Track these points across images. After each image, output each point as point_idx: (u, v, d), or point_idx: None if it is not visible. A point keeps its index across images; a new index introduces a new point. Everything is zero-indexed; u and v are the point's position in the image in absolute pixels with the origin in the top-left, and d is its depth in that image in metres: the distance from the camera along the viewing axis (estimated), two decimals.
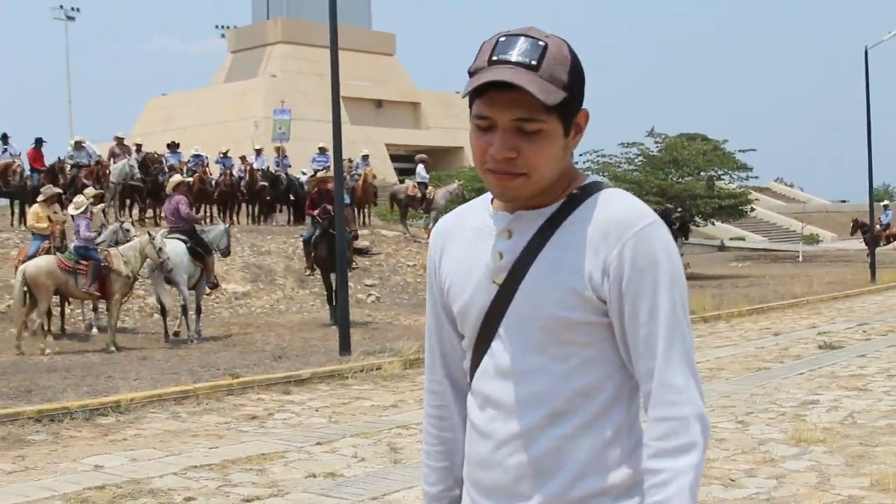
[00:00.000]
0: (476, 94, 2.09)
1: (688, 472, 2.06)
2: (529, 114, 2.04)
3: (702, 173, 35.80)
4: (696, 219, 36.61)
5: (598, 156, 35.83)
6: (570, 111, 2.11)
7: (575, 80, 2.09)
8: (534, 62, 2.02)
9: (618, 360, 2.17)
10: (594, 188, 2.18)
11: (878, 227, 38.04)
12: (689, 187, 34.41)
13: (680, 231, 33.54)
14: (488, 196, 2.30)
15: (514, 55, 2.04)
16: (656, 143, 36.75)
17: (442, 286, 2.33)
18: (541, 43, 2.05)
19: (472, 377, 2.28)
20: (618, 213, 2.11)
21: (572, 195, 2.18)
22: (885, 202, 48.43)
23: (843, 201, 76.86)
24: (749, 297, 23.98)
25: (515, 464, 2.16)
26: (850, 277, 31.70)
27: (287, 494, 7.59)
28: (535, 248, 2.14)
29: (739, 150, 36.88)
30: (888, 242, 35.99)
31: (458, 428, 2.41)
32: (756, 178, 37.90)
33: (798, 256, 42.96)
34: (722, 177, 36.78)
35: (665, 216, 31.82)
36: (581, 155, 35.63)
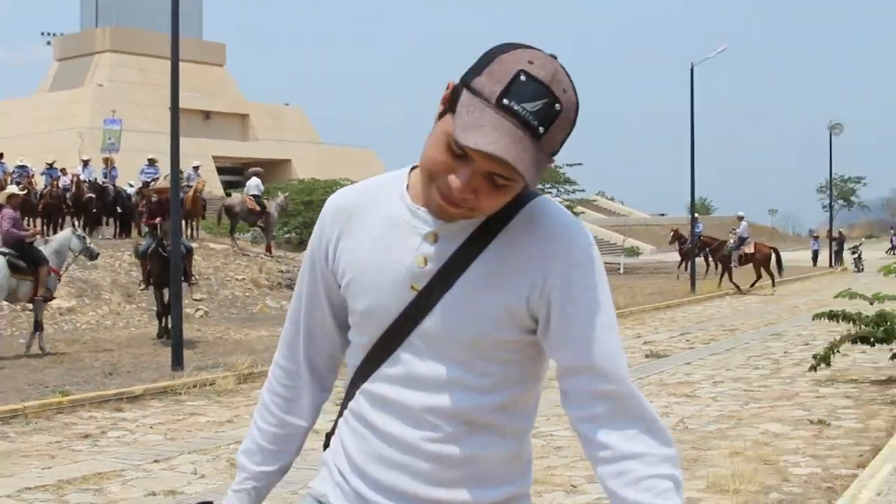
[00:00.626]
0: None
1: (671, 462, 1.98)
2: (508, 174, 1.85)
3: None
4: None
5: None
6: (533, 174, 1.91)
7: (565, 141, 1.94)
8: (542, 129, 1.83)
9: (537, 374, 2.10)
10: (528, 195, 2.03)
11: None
12: None
13: None
14: (403, 179, 2.10)
15: (527, 110, 1.81)
16: None
17: (336, 271, 2.12)
18: (556, 107, 1.83)
19: (363, 377, 2.10)
20: (559, 229, 2.01)
21: (508, 203, 1.99)
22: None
23: (662, 214, 79.41)
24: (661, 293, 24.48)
25: (425, 470, 2.03)
26: (671, 288, 32.86)
27: None
28: (466, 258, 1.99)
29: (567, 164, 37.70)
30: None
31: (304, 415, 2.28)
32: (582, 191, 38.84)
33: (619, 268, 44.12)
34: (549, 190, 37.50)
35: None
36: None
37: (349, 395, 2.16)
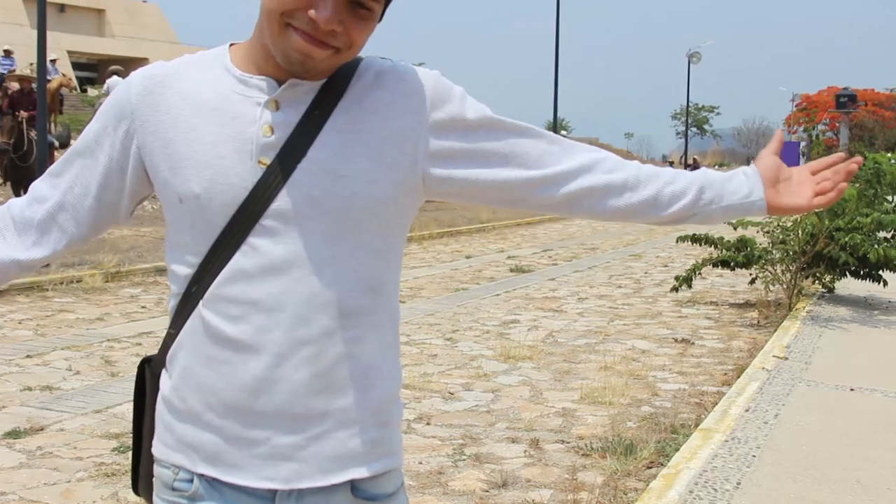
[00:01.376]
0: None
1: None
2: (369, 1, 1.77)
3: None
4: None
5: None
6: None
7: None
8: None
9: (401, 247, 1.96)
10: (356, 59, 1.90)
11: None
12: None
13: None
14: (223, 54, 1.92)
15: None
16: None
17: (147, 157, 1.88)
18: None
19: (205, 282, 1.84)
20: (414, 78, 1.89)
21: (343, 65, 1.87)
22: (564, 133, 50.49)
23: None
24: (439, 221, 24.61)
25: (306, 377, 1.82)
26: None
27: (4, 408, 7.22)
28: (317, 122, 1.82)
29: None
30: None
31: (19, 245, 1.97)
32: None
33: None
34: None
35: None
36: None
37: (179, 321, 1.90)
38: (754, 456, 6.22)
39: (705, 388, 8.53)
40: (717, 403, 7.55)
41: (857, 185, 12.63)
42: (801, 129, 74.59)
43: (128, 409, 7.20)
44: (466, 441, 6.83)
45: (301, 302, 1.80)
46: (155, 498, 1.97)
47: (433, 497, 5.73)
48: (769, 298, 12.84)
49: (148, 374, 2.01)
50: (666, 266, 18.66)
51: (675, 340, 10.88)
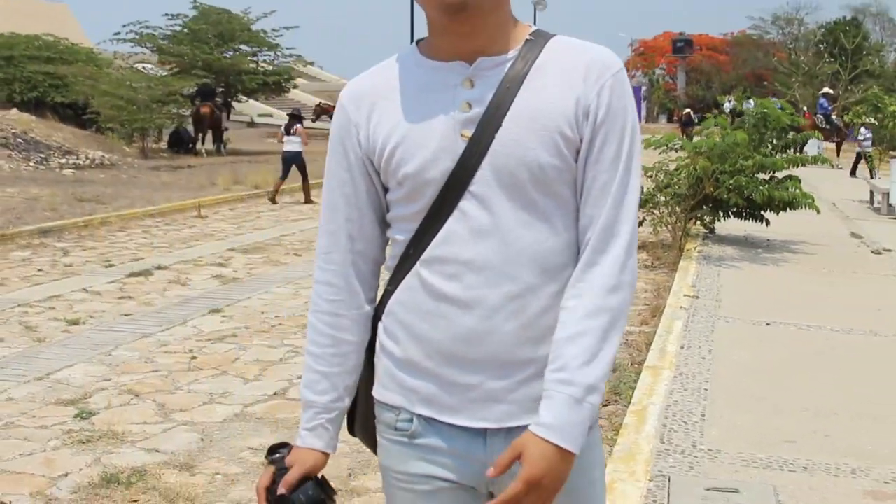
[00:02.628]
0: None
1: (607, 312, 1.96)
2: None
3: (243, 49, 35.59)
4: (239, 96, 36.58)
5: (141, 27, 34.41)
6: None
7: None
8: None
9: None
10: (545, 34, 2.07)
11: None
12: (236, 63, 34.17)
13: (224, 107, 33.44)
14: (411, 53, 2.11)
15: None
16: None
17: (371, 154, 2.08)
18: None
19: (423, 246, 2.02)
20: (592, 56, 2.02)
21: (528, 40, 2.04)
22: None
23: None
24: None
25: (514, 328, 1.99)
26: None
27: None
28: (508, 95, 1.97)
29: (284, 28, 36.86)
30: None
31: (355, 328, 2.17)
32: (299, 55, 38.10)
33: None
34: (266, 55, 36.72)
35: (208, 91, 31.55)
36: (124, 26, 34.16)
37: (400, 276, 2.08)
38: (706, 389, 6.55)
39: (628, 328, 8.84)
40: (649, 343, 7.86)
41: (746, 128, 13.14)
42: (641, 73, 76.31)
43: (69, 375, 7.11)
44: None
45: (507, 261, 1.97)
46: (379, 437, 2.16)
47: None
48: (657, 240, 13.27)
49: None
50: None
51: None
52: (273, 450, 2.17)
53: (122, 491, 5.02)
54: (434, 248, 2.00)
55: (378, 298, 2.18)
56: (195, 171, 24.47)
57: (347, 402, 2.20)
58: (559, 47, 2.03)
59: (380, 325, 2.14)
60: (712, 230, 14.18)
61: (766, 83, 57.00)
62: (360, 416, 2.23)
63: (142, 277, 11.06)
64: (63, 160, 24.41)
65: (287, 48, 37.42)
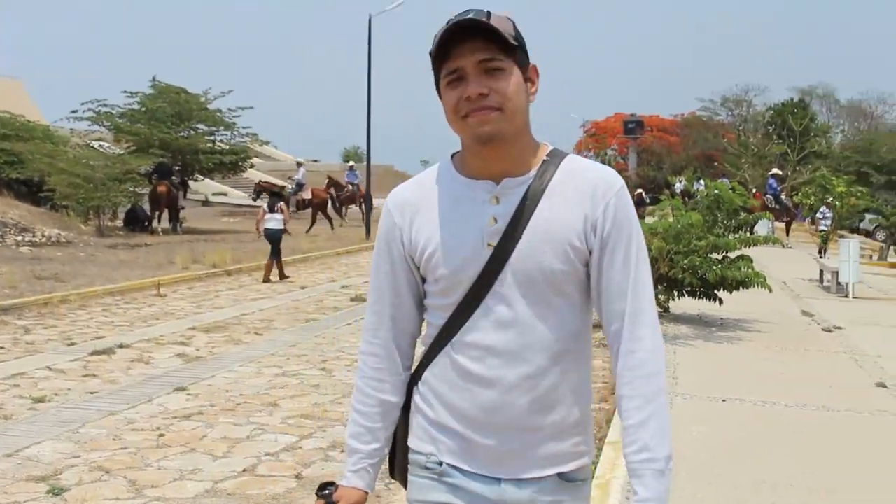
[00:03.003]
0: (441, 59, 2.39)
1: (658, 395, 2.39)
2: (491, 55, 2.34)
3: (200, 128, 35.76)
4: (196, 175, 36.72)
5: (99, 105, 34.49)
6: (523, 61, 2.42)
7: (519, 36, 2.41)
8: (485, 18, 2.33)
9: (590, 307, 2.51)
10: (559, 154, 2.50)
11: (349, 187, 40.48)
12: (194, 142, 34.36)
13: (181, 185, 33.54)
14: (447, 167, 2.54)
15: (469, 15, 2.35)
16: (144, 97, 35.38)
17: (413, 254, 2.51)
18: (485, 10, 2.37)
19: (453, 333, 2.47)
20: (597, 176, 2.45)
21: (545, 161, 2.47)
22: (351, 163, 50.91)
23: (316, 160, 79.89)
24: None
25: (527, 402, 2.42)
26: (346, 234, 33.44)
27: None
28: (527, 211, 2.40)
29: (240, 108, 37.09)
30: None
31: (395, 390, 2.62)
32: (255, 134, 38.28)
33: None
34: (222, 133, 36.87)
35: (165, 170, 31.68)
36: (82, 104, 34.24)
37: (433, 353, 2.53)
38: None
39: (595, 406, 8.99)
40: (609, 419, 8.04)
41: (699, 211, 13.50)
42: (593, 154, 77.30)
43: (38, 452, 7.18)
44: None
45: (523, 347, 2.42)
46: (410, 476, 2.60)
47: None
48: None
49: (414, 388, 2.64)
50: None
51: None
52: (322, 487, 2.63)
53: None
54: (462, 335, 2.46)
55: (413, 367, 2.64)
56: (152, 249, 24.50)
57: (386, 450, 2.66)
58: (571, 167, 2.47)
59: (415, 390, 2.60)
60: (667, 309, 14.46)
61: (716, 163, 57.97)
62: (399, 463, 2.68)
63: (105, 356, 11.11)
64: (19, 237, 24.37)
65: (244, 127, 37.48)
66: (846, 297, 18.38)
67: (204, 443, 7.58)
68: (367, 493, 2.61)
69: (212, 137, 36.17)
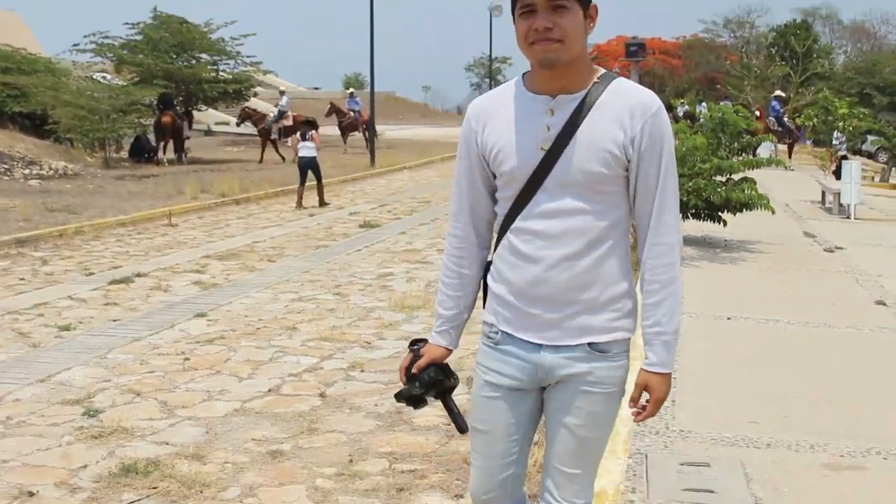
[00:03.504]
0: None
1: (673, 282, 2.98)
2: None
3: (203, 57, 35.70)
4: (200, 105, 36.78)
5: (102, 37, 34.42)
6: (585, 2, 2.89)
7: None
8: None
9: (627, 204, 3.00)
10: (609, 77, 2.98)
11: (351, 114, 40.52)
12: (197, 72, 34.35)
13: (186, 116, 33.63)
14: (516, 83, 3.05)
15: None
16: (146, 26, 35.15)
17: (484, 153, 3.04)
18: None
19: (512, 220, 3.00)
20: (638, 98, 2.93)
21: (595, 83, 2.95)
22: (351, 90, 50.77)
23: (317, 88, 79.74)
24: (270, 180, 24.84)
25: (565, 279, 2.93)
26: (350, 162, 33.58)
27: None
28: (575, 123, 2.89)
29: (242, 35, 36.92)
30: (366, 129, 38.35)
31: (475, 265, 3.20)
32: (259, 62, 38.18)
33: (287, 142, 44.15)
34: (225, 63, 36.79)
35: (169, 100, 31.72)
36: (84, 36, 34.18)
37: (500, 238, 3.06)
38: (675, 378, 6.97)
39: None
40: None
41: (704, 134, 13.68)
42: None
43: (70, 377, 7.47)
44: None
45: (564, 233, 2.93)
46: (481, 343, 3.17)
47: (403, 433, 6.29)
48: None
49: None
50: None
51: None
52: (414, 343, 3.27)
53: (140, 479, 5.41)
54: (519, 222, 2.98)
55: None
56: (159, 180, 24.67)
57: (466, 315, 3.25)
58: (617, 88, 2.93)
59: (490, 268, 3.13)
60: None
61: (718, 86, 57.82)
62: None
63: (123, 284, 11.38)
64: (27, 171, 24.57)
65: (247, 56, 37.38)
66: (848, 218, 18.60)
67: (228, 365, 7.87)
68: (449, 350, 3.22)
69: (215, 67, 36.09)
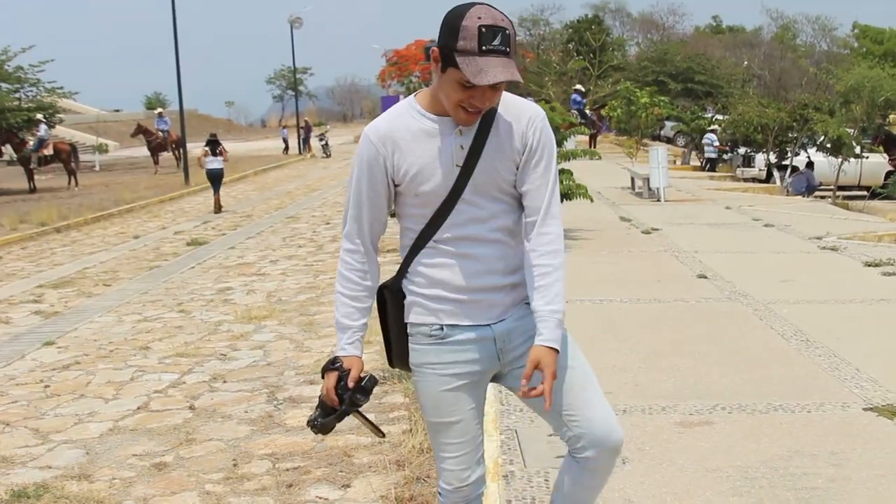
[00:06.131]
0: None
1: (561, 267, 3.27)
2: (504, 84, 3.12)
3: (3, 86, 34.59)
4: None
5: None
6: None
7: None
8: (509, 50, 3.03)
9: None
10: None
11: (160, 134, 40.17)
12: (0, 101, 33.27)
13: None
14: (410, 105, 3.27)
15: (497, 46, 3.00)
16: None
17: (395, 176, 3.25)
18: (507, 32, 3.02)
19: (433, 231, 3.26)
20: (528, 109, 3.30)
21: None
22: (159, 110, 50.23)
23: (118, 110, 78.09)
24: (88, 206, 24.38)
25: (501, 267, 3.28)
26: (164, 182, 33.17)
27: None
28: (483, 138, 3.22)
29: (41, 62, 35.87)
30: (176, 148, 38.59)
31: (375, 276, 3.41)
32: (61, 88, 37.15)
33: (95, 166, 43.41)
34: (27, 91, 35.68)
35: None
36: None
37: (415, 251, 3.31)
38: None
39: None
40: None
41: None
42: (396, 82, 77.74)
43: None
44: (272, 389, 7.63)
45: (489, 231, 3.27)
46: (413, 345, 3.37)
47: (279, 434, 6.54)
48: None
49: (386, 293, 3.42)
50: (328, 224, 19.78)
51: None
52: (331, 362, 3.35)
53: (34, 502, 5.50)
54: (443, 231, 3.25)
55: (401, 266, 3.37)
56: None
57: (367, 324, 3.39)
58: (507, 101, 3.26)
59: (405, 281, 3.34)
60: None
61: (520, 83, 59.25)
62: (396, 351, 3.45)
63: None
64: None
65: (49, 82, 36.39)
66: (658, 201, 19.59)
67: (91, 388, 7.93)
68: (361, 358, 3.37)
69: (17, 95, 35.05)
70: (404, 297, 3.35)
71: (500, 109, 3.23)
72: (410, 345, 3.37)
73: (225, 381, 7.97)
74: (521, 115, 3.26)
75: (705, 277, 10.90)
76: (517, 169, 3.25)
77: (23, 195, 30.04)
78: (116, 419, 7.05)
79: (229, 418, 6.97)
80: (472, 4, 3.04)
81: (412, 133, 3.22)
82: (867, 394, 6.53)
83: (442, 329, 3.30)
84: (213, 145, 23.42)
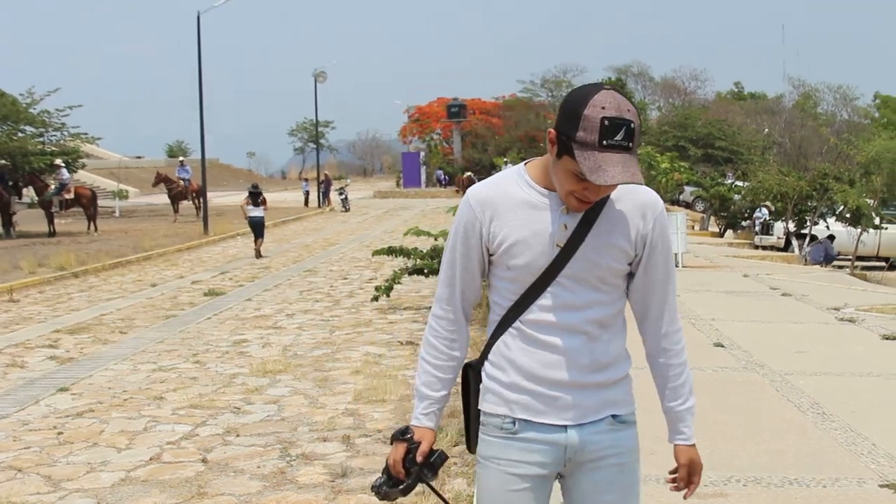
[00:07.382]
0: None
1: (688, 362, 3.24)
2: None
3: (27, 130, 34.92)
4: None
5: None
6: None
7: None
8: (631, 145, 2.81)
9: (624, 291, 3.17)
10: None
11: (181, 182, 40.46)
12: (23, 144, 33.59)
13: (14, 189, 32.86)
14: (519, 174, 3.09)
15: (619, 141, 2.78)
16: None
17: (490, 244, 3.06)
18: (632, 125, 2.80)
19: (521, 310, 3.05)
20: (646, 197, 3.09)
21: None
22: (181, 158, 50.64)
23: (140, 157, 78.71)
24: (106, 252, 24.51)
25: (587, 363, 3.03)
26: (183, 230, 33.35)
27: None
28: (590, 222, 3.00)
29: (68, 107, 36.26)
30: (196, 197, 38.81)
31: (464, 347, 3.22)
32: (85, 133, 37.52)
33: (115, 212, 43.73)
34: (52, 135, 36.00)
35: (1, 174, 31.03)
36: None
37: (500, 331, 3.10)
38: None
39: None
40: None
41: None
42: (417, 139, 78.21)
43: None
44: (285, 445, 7.62)
45: (580, 322, 3.04)
46: (483, 435, 3.13)
47: (291, 491, 6.52)
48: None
49: (471, 373, 3.19)
50: (346, 279, 19.82)
51: (401, 343, 12.02)
52: (402, 432, 3.15)
53: None
54: (530, 313, 3.04)
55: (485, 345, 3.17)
56: None
57: (448, 397, 3.20)
58: (625, 188, 3.02)
59: (486, 363, 3.13)
60: None
61: (539, 143, 59.52)
62: (474, 435, 3.21)
63: None
64: None
65: (73, 127, 36.74)
66: (676, 266, 19.53)
67: (104, 437, 7.94)
68: (435, 431, 3.19)
69: (41, 139, 35.37)
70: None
71: (614, 193, 3.03)
72: (480, 434, 3.15)
73: (238, 435, 7.96)
74: (638, 201, 3.07)
75: (722, 346, 10.86)
76: (630, 264, 3.08)
77: (42, 238, 30.27)
78: (129, 469, 7.05)
79: (241, 473, 6.96)
80: (598, 89, 2.86)
81: (515, 202, 3.04)
82: (883, 470, 6.48)
83: (514, 423, 3.07)
84: (255, 196, 24.61)
